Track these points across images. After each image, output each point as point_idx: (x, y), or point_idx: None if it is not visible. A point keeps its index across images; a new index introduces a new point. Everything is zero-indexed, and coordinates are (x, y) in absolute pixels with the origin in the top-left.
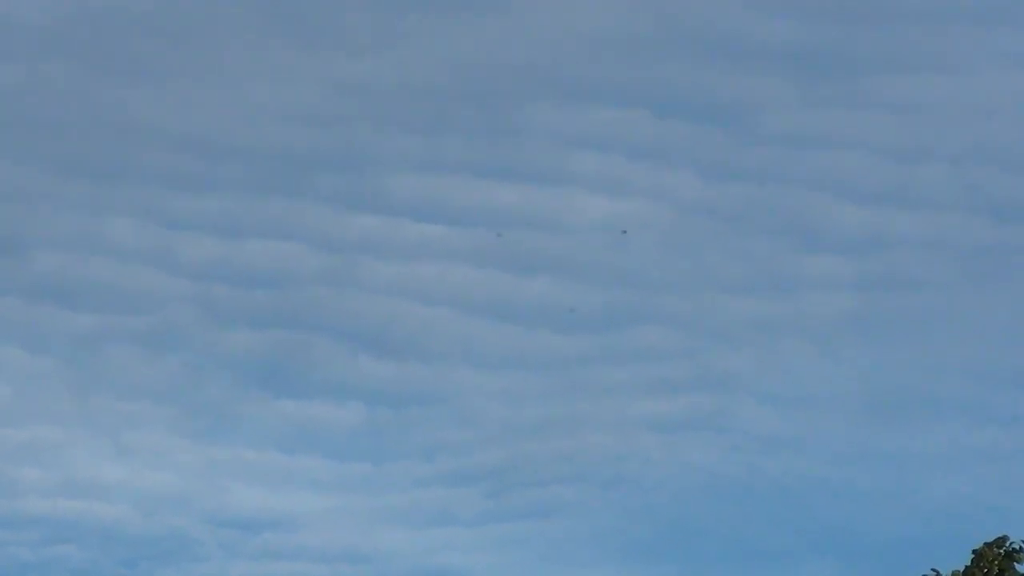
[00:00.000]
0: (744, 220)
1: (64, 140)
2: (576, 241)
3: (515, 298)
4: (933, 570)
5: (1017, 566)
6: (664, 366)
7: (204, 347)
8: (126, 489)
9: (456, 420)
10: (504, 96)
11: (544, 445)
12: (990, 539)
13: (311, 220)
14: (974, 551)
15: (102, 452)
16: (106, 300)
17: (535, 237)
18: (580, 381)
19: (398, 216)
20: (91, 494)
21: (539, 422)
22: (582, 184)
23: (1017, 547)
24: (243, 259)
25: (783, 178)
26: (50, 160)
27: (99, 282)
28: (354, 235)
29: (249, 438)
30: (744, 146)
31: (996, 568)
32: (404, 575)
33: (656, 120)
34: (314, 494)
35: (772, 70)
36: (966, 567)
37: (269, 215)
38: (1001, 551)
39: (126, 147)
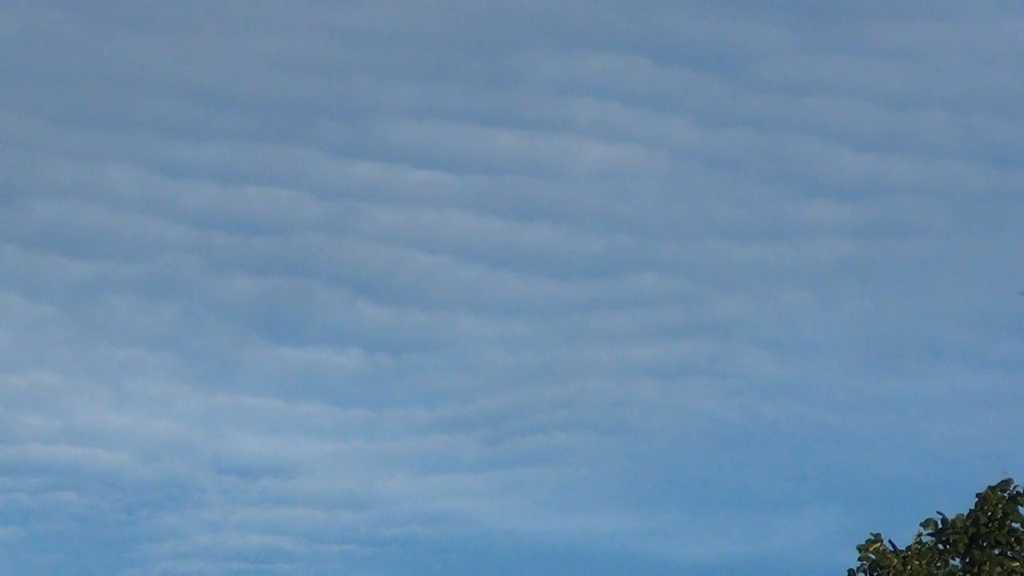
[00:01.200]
0: (743, 167)
1: (63, 89)
2: (574, 187)
3: (514, 244)
4: (938, 513)
5: (1021, 509)
6: (663, 312)
7: (204, 294)
8: (127, 436)
9: (456, 366)
10: (502, 43)
11: (544, 391)
12: (993, 483)
13: (310, 167)
14: (978, 495)
15: (102, 399)
16: (105, 248)
17: (534, 183)
18: (579, 327)
19: (397, 163)
20: (92, 441)
21: (538, 368)
22: (580, 130)
23: (1022, 490)
24: (242, 206)
25: (782, 125)
26: (49, 109)
27: (98, 230)
28: (353, 182)
29: (249, 385)
30: (743, 93)
31: (1000, 511)
32: (405, 520)
33: (654, 67)
34: (314, 440)
35: (771, 17)
36: (970, 511)
37: (268, 163)
38: (1005, 494)
39: (125, 95)
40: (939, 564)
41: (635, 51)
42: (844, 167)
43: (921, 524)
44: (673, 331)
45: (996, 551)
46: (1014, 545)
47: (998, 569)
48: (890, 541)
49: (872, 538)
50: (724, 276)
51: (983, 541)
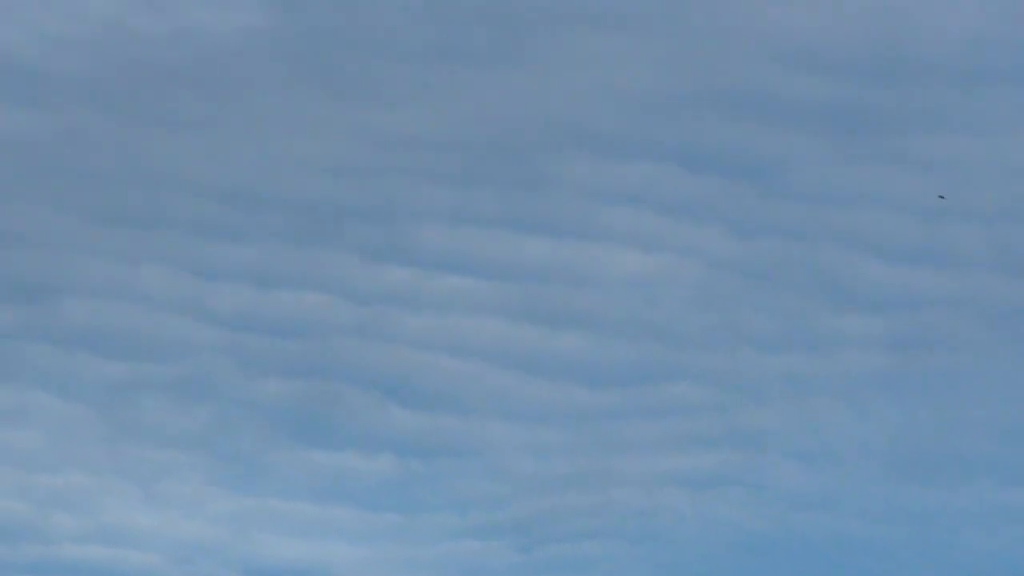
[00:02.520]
0: (774, 276)
1: (97, 188)
2: (606, 295)
3: (545, 351)
4: None
5: None
6: (694, 422)
7: (235, 396)
8: (158, 537)
9: (487, 472)
10: (536, 149)
11: (574, 499)
12: None
13: (342, 271)
14: None
15: (133, 500)
16: (138, 348)
17: (565, 290)
18: (610, 436)
19: (429, 268)
20: (122, 541)
21: (569, 476)
22: (612, 238)
23: None
24: (274, 309)
25: (814, 235)
26: (83, 208)
27: (131, 330)
28: (385, 286)
29: (280, 488)
30: (775, 202)
31: None
32: None
33: (687, 175)
34: (345, 544)
35: (803, 127)
36: None
37: (300, 265)
38: None
39: (159, 196)
40: None
41: (668, 159)
42: (876, 279)
43: None
44: (704, 441)
45: None
46: None
47: None
48: None
49: None
50: (756, 386)
51: None
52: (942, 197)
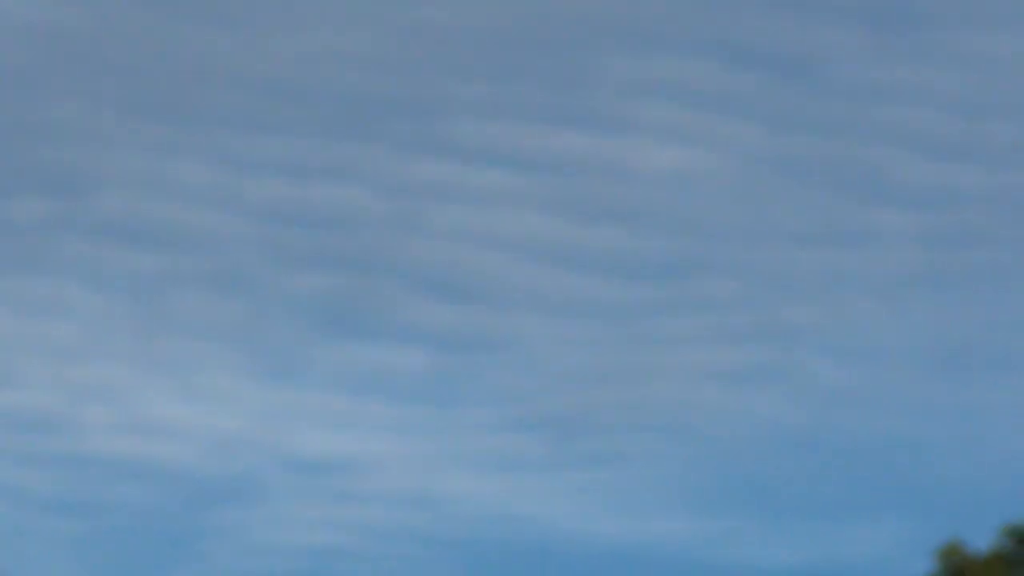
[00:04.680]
0: (811, 172)
1: (131, 81)
2: (641, 189)
3: (580, 245)
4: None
5: None
6: (729, 316)
7: (270, 289)
8: (191, 430)
9: (521, 366)
10: (573, 42)
11: (609, 393)
12: None
13: (378, 164)
14: None
15: (167, 392)
16: (172, 240)
17: (601, 184)
18: (644, 330)
19: (464, 161)
20: (156, 435)
21: (604, 370)
22: (649, 132)
23: None
24: (310, 201)
25: (852, 131)
26: (117, 100)
27: (165, 222)
28: (420, 179)
29: (315, 381)
30: (813, 98)
31: None
32: (469, 521)
33: (725, 70)
34: (380, 438)
35: (844, 21)
36: None
37: (336, 158)
38: None
39: (193, 88)
40: (1021, 572)
41: (706, 54)
42: (914, 175)
43: (1003, 530)
44: (739, 336)
45: None
46: None
47: None
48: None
49: (952, 544)
50: (790, 281)
51: None
52: None
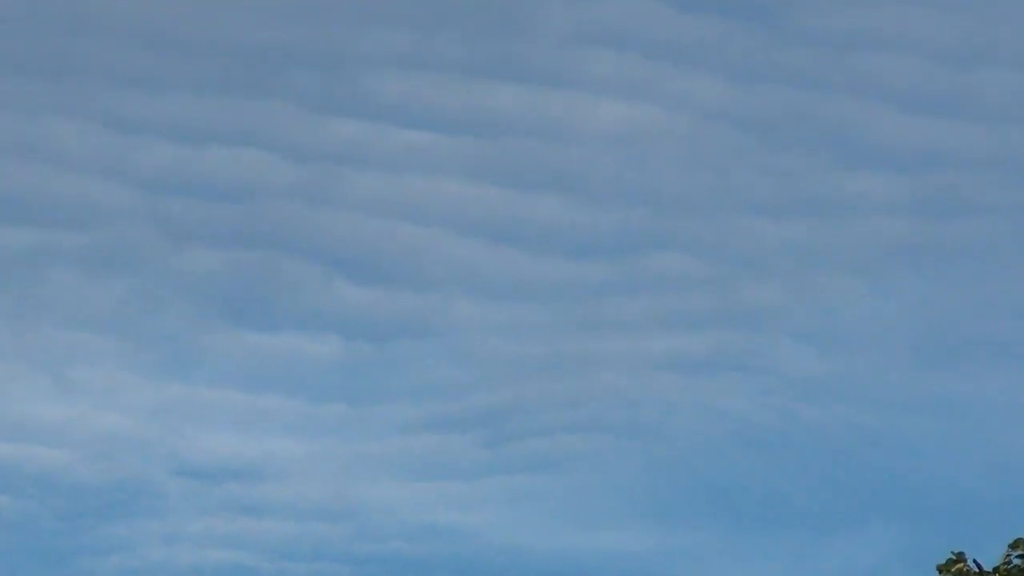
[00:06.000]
0: (779, 131)
1: (1, 33)
2: (586, 152)
3: (517, 217)
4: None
5: None
6: (686, 298)
7: (158, 269)
8: (68, 431)
9: (449, 357)
10: None
11: (551, 387)
12: None
13: (282, 125)
14: None
15: (41, 388)
16: (46, 214)
17: (540, 147)
18: (591, 314)
19: (382, 121)
20: (28, 436)
21: (545, 360)
22: (593, 87)
23: None
24: (204, 169)
25: (825, 83)
26: None
27: (37, 193)
28: (332, 143)
29: (210, 374)
30: (780, 45)
31: None
32: (388, 535)
33: (678, 14)
34: (285, 439)
35: None
36: None
37: (234, 119)
38: None
39: (70, 40)
40: None
41: None
42: (897, 133)
43: (1010, 545)
44: (698, 320)
45: None
46: None
47: None
48: (975, 561)
49: (954, 557)
50: (757, 257)
51: None
52: None
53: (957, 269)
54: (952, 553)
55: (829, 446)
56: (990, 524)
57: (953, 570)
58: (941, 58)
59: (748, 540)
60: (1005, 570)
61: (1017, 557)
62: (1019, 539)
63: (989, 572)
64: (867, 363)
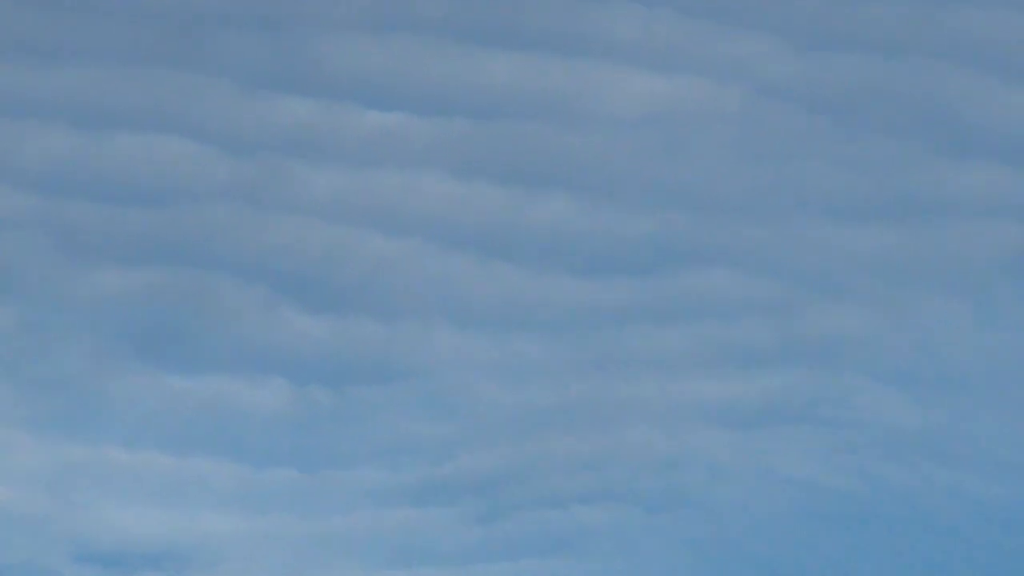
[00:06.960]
0: (855, 110)
1: None
2: (606, 140)
3: (516, 224)
4: None
5: None
6: (738, 328)
7: (53, 295)
8: None
9: (429, 406)
10: None
11: (561, 444)
12: None
13: (213, 107)
14: None
15: None
16: None
17: (545, 133)
18: (613, 349)
19: (342, 100)
20: None
21: (553, 409)
22: (616, 55)
23: None
24: (111, 163)
25: (915, 49)
26: None
27: None
28: (277, 128)
29: (121, 431)
30: (856, 2)
31: None
32: None
33: None
34: (220, 515)
35: None
36: None
37: (150, 98)
38: None
39: None
40: None
41: None
42: (1008, 113)
43: None
44: (754, 357)
45: None
46: None
47: None
48: None
49: None
50: (831, 275)
51: None
52: None
53: None
54: None
55: (924, 520)
56: None
57: None
58: None
59: None
60: None
61: None
62: None
63: None
64: (975, 412)
